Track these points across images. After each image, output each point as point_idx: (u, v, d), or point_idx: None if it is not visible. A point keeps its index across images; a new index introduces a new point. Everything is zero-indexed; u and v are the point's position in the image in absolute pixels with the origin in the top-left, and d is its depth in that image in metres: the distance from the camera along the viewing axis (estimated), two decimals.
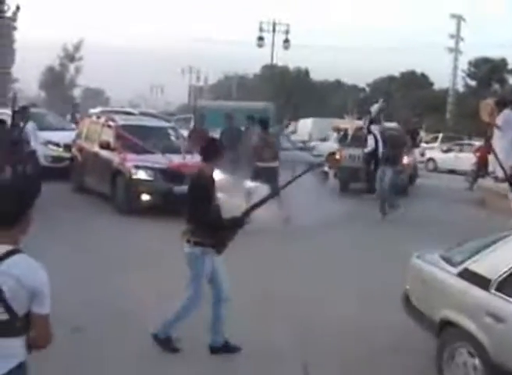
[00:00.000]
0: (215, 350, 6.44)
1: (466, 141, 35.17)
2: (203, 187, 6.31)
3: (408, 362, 6.48)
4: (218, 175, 14.30)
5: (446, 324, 5.66)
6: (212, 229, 6.24)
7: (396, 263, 10.20)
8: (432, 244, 11.29)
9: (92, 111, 25.42)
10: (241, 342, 6.56)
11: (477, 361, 5.20)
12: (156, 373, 6.09)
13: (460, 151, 33.15)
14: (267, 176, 12.93)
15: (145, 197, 13.57)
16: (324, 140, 31.09)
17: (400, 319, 6.98)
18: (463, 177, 25.61)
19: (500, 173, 15.75)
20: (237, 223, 6.33)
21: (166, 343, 6.43)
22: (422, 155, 29.78)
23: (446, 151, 33.56)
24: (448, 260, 6.05)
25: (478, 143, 32.72)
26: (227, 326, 6.53)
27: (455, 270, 5.75)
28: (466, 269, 5.62)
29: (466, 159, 31.56)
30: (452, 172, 31.20)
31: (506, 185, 14.67)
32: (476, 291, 5.36)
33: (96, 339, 6.70)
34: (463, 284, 5.56)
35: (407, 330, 6.92)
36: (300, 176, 7.03)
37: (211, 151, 6.52)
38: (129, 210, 13.60)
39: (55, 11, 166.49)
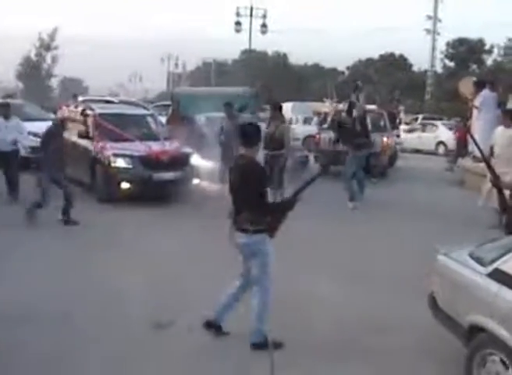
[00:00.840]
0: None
1: (428, 121, 35.65)
2: (255, 173, 6.18)
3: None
4: (200, 161, 14.51)
5: (476, 330, 5.22)
6: (267, 213, 6.17)
7: (386, 245, 10.43)
8: (419, 226, 11.59)
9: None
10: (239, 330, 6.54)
11: (510, 371, 4.81)
12: (142, 358, 6.07)
13: (423, 131, 33.64)
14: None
15: (125, 185, 13.53)
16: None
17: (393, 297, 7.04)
18: (433, 157, 25.93)
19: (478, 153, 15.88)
20: (289, 205, 6.19)
21: (268, 344, 6.09)
22: (398, 136, 29.93)
23: (409, 131, 33.82)
24: (477, 259, 5.55)
25: (439, 123, 33.51)
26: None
27: (485, 270, 5.27)
28: (497, 270, 5.15)
29: (428, 139, 32.27)
30: (417, 151, 31.44)
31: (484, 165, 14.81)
32: (508, 294, 4.90)
33: (82, 324, 6.72)
34: (493, 286, 5.07)
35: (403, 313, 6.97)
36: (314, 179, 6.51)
37: (251, 136, 6.35)
38: (108, 198, 13.56)
39: (31, 1, 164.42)
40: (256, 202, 6.08)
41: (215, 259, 9.01)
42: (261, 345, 6.16)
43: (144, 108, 19.45)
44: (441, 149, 31.97)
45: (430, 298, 6.11)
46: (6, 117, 13.90)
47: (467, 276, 5.50)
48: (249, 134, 6.36)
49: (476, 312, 5.22)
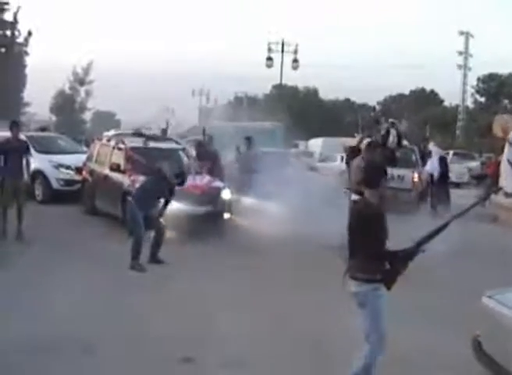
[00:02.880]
0: None
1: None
2: (371, 218, 5.66)
3: None
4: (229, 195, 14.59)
5: None
6: (383, 263, 5.62)
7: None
8: (459, 266, 11.32)
9: (106, 134, 25.57)
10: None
11: None
12: None
13: None
14: None
15: None
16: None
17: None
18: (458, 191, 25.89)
19: (509, 188, 15.75)
20: (409, 255, 5.63)
21: None
22: None
23: None
24: None
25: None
26: None
27: None
28: None
29: None
30: None
31: None
32: None
33: (106, 361, 6.69)
34: None
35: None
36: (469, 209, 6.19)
37: (374, 176, 5.90)
38: None
39: (65, 34, 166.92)
40: (370, 250, 5.58)
41: (243, 300, 9.02)
42: None
43: (176, 142, 19.61)
44: None
45: (474, 341, 5.80)
46: None
47: None
48: (370, 175, 5.96)
49: None
